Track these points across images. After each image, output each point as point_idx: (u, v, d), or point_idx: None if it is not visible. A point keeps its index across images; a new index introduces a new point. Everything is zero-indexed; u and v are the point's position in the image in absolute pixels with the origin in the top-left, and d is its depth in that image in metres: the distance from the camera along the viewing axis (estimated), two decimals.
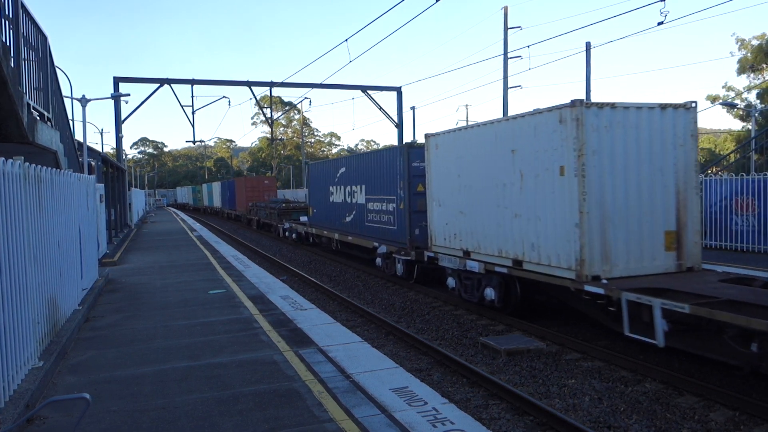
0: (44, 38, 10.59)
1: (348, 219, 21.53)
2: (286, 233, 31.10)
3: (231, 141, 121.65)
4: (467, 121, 61.58)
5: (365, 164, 19.82)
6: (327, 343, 8.04)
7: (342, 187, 22.17)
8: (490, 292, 12.55)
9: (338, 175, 22.60)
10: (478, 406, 7.93)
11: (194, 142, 41.13)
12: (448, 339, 11.47)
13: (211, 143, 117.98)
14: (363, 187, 19.95)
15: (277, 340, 8.27)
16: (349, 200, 21.43)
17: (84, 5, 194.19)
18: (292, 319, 9.57)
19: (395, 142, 42.44)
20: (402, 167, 16.83)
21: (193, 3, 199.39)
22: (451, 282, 14.19)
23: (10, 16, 8.27)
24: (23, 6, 8.84)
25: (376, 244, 18.54)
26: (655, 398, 8.10)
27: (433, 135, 14.96)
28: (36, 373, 6.48)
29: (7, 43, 7.97)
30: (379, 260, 18.68)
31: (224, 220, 56.05)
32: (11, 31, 8.27)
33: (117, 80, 33.21)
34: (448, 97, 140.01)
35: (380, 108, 39.51)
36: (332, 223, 23.46)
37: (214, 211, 64.73)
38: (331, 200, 23.54)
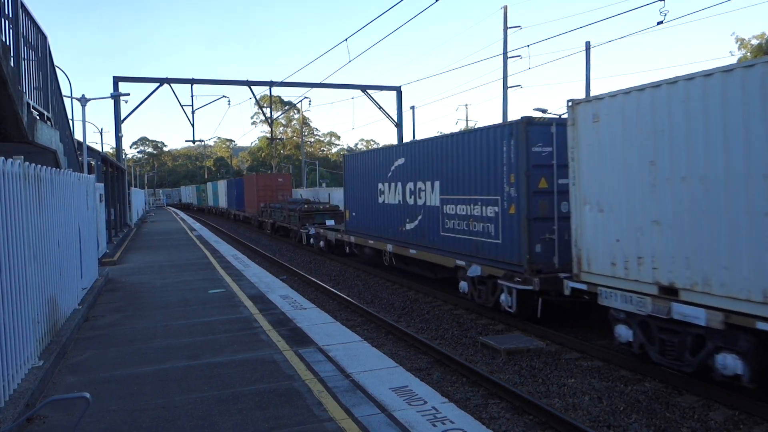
0: (44, 38, 10.60)
1: (409, 226, 16.72)
2: (311, 240, 26.14)
3: (231, 140, 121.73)
4: (467, 121, 61.27)
5: (441, 152, 14.80)
6: (327, 342, 8.04)
7: (399, 184, 17.37)
8: (732, 363, 7.47)
9: (393, 168, 17.83)
10: (478, 406, 7.94)
11: (194, 141, 41.05)
12: (447, 338, 11.48)
13: (211, 143, 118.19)
14: (436, 183, 15.06)
15: (276, 340, 8.28)
16: (411, 201, 16.54)
17: (84, 4, 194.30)
18: (292, 319, 9.57)
19: (395, 142, 42.34)
20: (513, 154, 11.79)
21: (193, 2, 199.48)
22: (624, 333, 9.15)
23: (10, 15, 8.28)
24: (23, 5, 8.84)
25: (461, 262, 13.65)
26: (654, 397, 8.11)
27: (587, 101, 9.80)
28: (36, 372, 6.49)
29: (7, 43, 7.98)
30: (464, 285, 13.56)
31: (231, 222, 51.56)
32: (11, 30, 8.27)
33: (117, 79, 33.19)
34: (447, 96, 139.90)
35: (380, 107, 39.49)
36: (382, 230, 18.71)
37: (220, 212, 60.08)
38: (380, 201, 18.83)
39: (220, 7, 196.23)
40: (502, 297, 12.06)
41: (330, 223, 27.26)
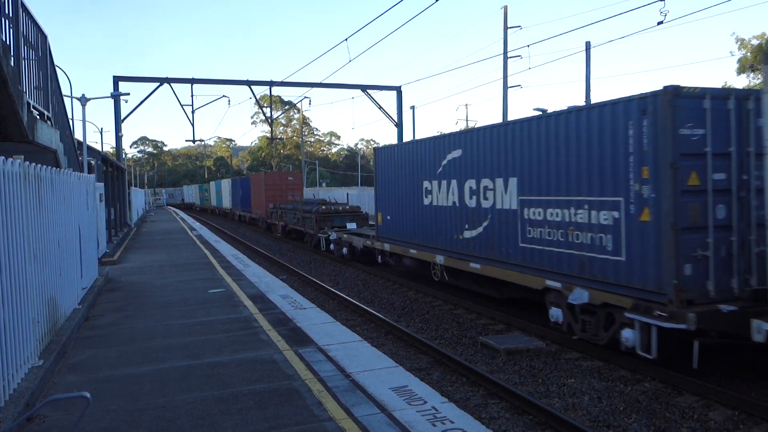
0: (44, 37, 10.60)
1: (468, 234, 13.63)
2: (331, 246, 23.51)
3: (231, 140, 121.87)
4: (467, 121, 61.23)
5: (520, 140, 11.62)
6: (326, 342, 8.05)
7: (454, 181, 14.21)
8: None
9: (445, 162, 14.69)
10: (478, 406, 7.94)
11: (194, 141, 41.17)
12: (447, 338, 11.48)
13: (211, 142, 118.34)
14: (511, 180, 11.90)
15: (276, 339, 8.28)
16: (472, 203, 13.43)
17: (84, 4, 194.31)
18: (292, 318, 9.58)
19: (395, 142, 42.26)
20: (647, 138, 8.68)
21: (193, 1, 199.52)
22: None
23: (10, 15, 8.28)
24: (23, 5, 8.85)
25: (554, 283, 10.54)
26: (654, 397, 8.11)
27: None
28: (36, 372, 6.49)
29: (7, 42, 7.98)
30: (557, 312, 10.51)
31: (234, 223, 49.30)
32: (11, 30, 8.28)
33: (117, 79, 33.24)
34: (448, 96, 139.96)
35: (380, 107, 39.53)
36: (429, 238, 15.49)
37: (223, 213, 58.15)
38: (427, 203, 15.63)
39: (220, 6, 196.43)
40: (626, 334, 8.89)
41: (351, 226, 24.91)
